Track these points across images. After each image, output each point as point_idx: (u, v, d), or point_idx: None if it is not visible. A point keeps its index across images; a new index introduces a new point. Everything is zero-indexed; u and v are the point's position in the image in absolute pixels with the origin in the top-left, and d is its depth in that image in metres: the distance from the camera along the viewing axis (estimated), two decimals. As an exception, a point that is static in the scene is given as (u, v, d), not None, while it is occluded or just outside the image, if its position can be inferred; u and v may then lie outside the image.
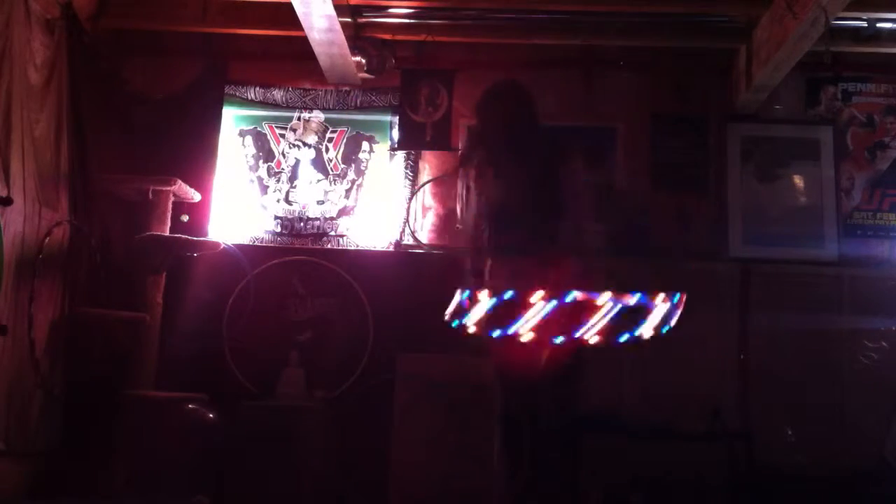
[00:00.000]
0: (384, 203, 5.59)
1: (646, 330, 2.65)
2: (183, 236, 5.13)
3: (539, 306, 2.52)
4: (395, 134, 5.67)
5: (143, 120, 5.55)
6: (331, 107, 5.74)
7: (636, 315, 2.65)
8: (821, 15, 4.33)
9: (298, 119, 5.73)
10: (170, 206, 5.15)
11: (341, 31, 4.99)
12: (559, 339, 2.60)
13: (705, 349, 5.09)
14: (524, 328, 2.57)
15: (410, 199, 5.59)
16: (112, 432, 4.67)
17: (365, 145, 5.69)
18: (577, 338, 2.56)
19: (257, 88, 5.74)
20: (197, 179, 5.38)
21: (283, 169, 5.67)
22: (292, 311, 5.41)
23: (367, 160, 5.68)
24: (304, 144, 5.71)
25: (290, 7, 4.71)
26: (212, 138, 5.62)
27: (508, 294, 2.58)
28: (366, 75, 5.53)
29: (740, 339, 5.14)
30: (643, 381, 5.03)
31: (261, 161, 5.69)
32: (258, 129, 5.73)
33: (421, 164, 5.67)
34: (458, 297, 2.75)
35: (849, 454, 4.88)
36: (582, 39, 5.51)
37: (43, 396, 4.61)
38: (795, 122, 5.59)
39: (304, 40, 5.07)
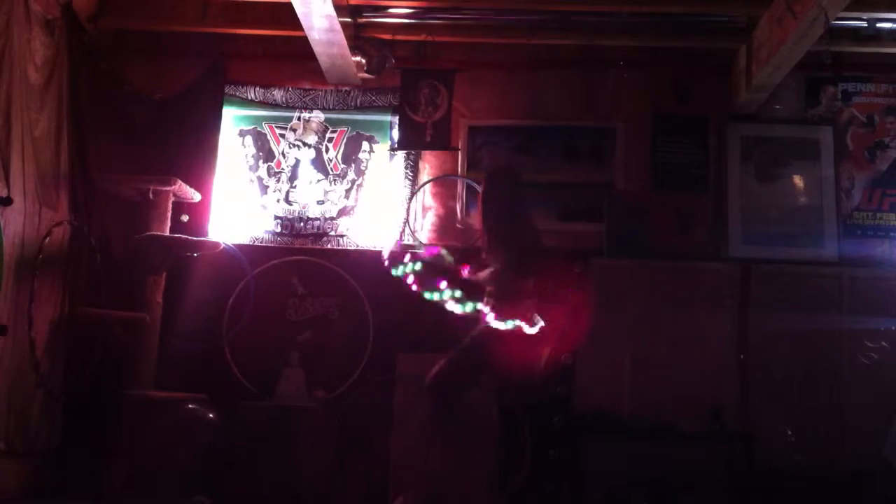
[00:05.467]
0: (384, 203, 5.59)
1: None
2: (183, 236, 5.13)
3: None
4: (395, 134, 5.67)
5: (143, 120, 5.56)
6: (331, 107, 5.73)
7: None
8: (821, 15, 4.33)
9: (298, 119, 5.73)
10: (170, 206, 5.15)
11: (341, 31, 4.99)
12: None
13: (705, 349, 5.09)
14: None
15: (410, 199, 5.59)
16: (112, 432, 4.67)
17: (365, 145, 5.69)
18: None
19: (257, 88, 5.74)
20: (197, 179, 5.38)
21: (283, 169, 5.67)
22: (292, 312, 5.41)
23: (367, 160, 5.68)
24: (304, 144, 5.71)
25: (290, 7, 4.72)
26: (212, 138, 5.62)
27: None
28: (366, 75, 5.53)
29: (740, 339, 5.13)
30: (643, 381, 5.03)
31: (261, 161, 5.69)
32: (258, 128, 5.73)
33: (421, 164, 5.67)
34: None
35: (849, 454, 4.88)
36: (583, 39, 5.52)
37: (43, 396, 4.61)
38: (795, 122, 5.60)
39: (304, 40, 5.07)
